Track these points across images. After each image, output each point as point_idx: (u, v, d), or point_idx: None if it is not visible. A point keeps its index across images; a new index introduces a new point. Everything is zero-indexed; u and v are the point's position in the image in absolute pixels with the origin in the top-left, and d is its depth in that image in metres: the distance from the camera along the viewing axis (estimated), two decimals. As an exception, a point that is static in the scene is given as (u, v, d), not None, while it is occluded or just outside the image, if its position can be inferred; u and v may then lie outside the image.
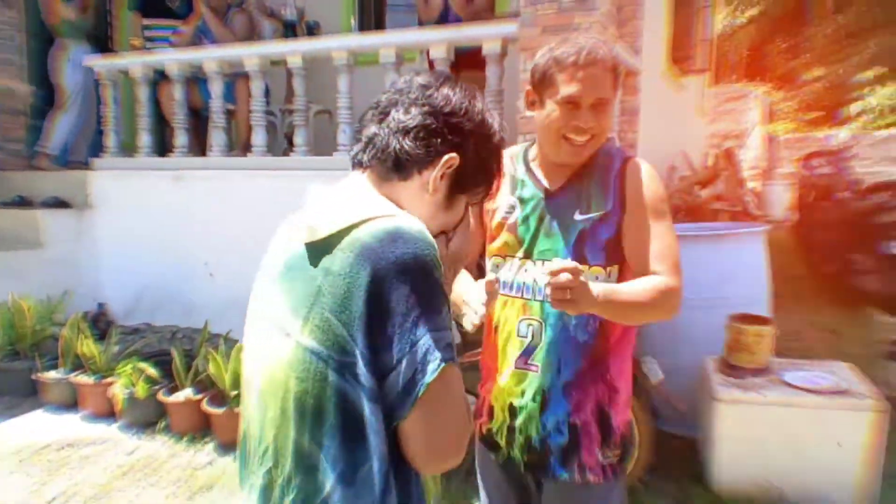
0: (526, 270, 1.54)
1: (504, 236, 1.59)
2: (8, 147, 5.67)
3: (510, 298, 1.56)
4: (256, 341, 1.02)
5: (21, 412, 3.82)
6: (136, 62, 4.85)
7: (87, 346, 3.82)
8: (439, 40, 3.88)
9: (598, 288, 1.32)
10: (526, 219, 1.56)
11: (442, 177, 1.00)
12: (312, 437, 0.89)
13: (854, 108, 14.96)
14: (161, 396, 3.55)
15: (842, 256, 5.56)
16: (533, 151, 1.63)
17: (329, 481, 0.89)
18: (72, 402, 3.83)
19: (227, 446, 3.29)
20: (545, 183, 1.57)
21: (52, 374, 3.88)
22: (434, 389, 0.85)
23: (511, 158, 1.64)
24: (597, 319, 1.49)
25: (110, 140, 5.07)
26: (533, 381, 1.53)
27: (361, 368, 0.86)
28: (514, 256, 1.57)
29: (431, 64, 4.09)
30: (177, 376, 3.60)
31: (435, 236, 0.96)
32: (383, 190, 1.01)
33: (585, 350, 1.51)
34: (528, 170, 1.61)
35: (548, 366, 1.52)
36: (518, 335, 1.54)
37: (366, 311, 0.85)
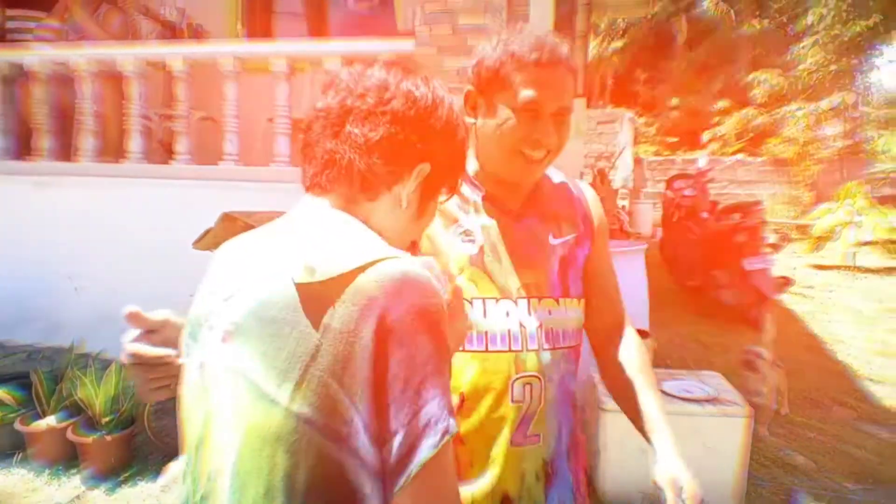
0: (508, 314, 1.21)
1: (468, 272, 1.22)
2: None
3: (491, 355, 1.19)
4: (218, 400, 0.81)
5: None
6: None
7: (-71, 371, 3.39)
8: (333, 52, 3.84)
9: (664, 434, 1.23)
10: (492, 248, 1.24)
11: (414, 189, 0.91)
12: None
13: (706, 134, 16.47)
14: (19, 425, 3.22)
15: (704, 272, 6.08)
16: (472, 165, 1.29)
17: None
18: None
19: (98, 476, 3.03)
20: (505, 203, 1.28)
21: None
22: (429, 467, 0.73)
23: None
24: (578, 359, 1.30)
25: (-42, 141, 4.56)
26: (533, 457, 1.21)
27: (363, 440, 0.74)
28: (487, 298, 1.21)
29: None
30: (38, 402, 3.27)
31: (406, 248, 0.90)
32: (354, 214, 0.88)
33: (573, 399, 1.29)
34: (474, 187, 1.28)
35: (551, 432, 1.23)
36: (512, 400, 1.19)
37: (371, 375, 0.73)
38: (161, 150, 4.84)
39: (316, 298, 0.76)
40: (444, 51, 3.56)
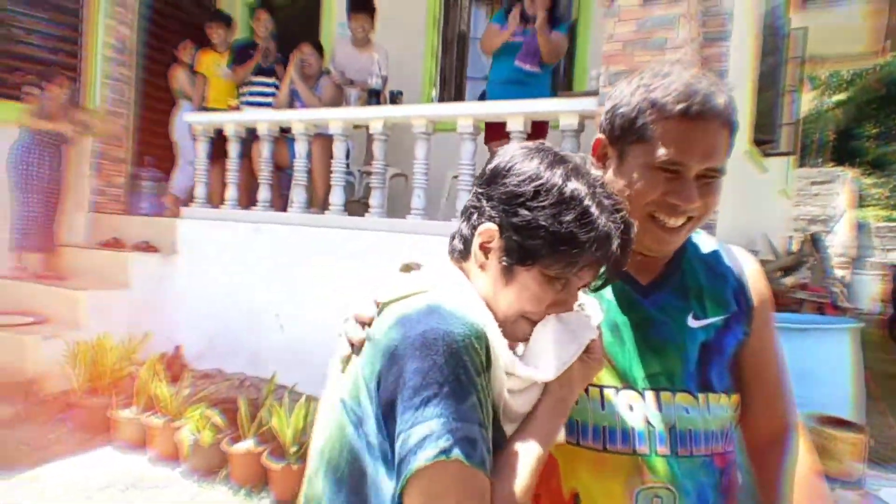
0: (631, 408, 1.02)
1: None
2: (109, 191, 6.10)
3: (609, 455, 1.01)
4: (322, 413, 1.01)
5: (91, 448, 3.95)
6: (229, 120, 5.18)
7: (160, 389, 3.95)
8: (516, 112, 3.96)
9: None
10: (615, 327, 1.07)
11: (482, 247, 0.93)
12: (326, 485, 0.90)
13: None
14: (224, 445, 3.61)
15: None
16: None
17: None
18: (141, 442, 3.93)
19: (283, 502, 3.29)
20: (633, 275, 1.10)
21: (125, 413, 4.02)
22: (425, 477, 0.78)
23: None
24: (728, 474, 1.07)
25: (199, 191, 5.38)
26: None
27: (372, 427, 0.85)
28: (606, 387, 1.05)
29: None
30: (241, 426, 3.66)
31: (514, 321, 0.92)
32: (463, 270, 0.98)
33: None
34: None
35: None
36: None
37: (384, 375, 0.84)
38: (360, 203, 5.30)
39: (377, 319, 0.91)
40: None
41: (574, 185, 0.88)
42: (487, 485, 0.81)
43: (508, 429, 0.93)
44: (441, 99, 6.10)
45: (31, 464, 3.61)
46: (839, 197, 12.74)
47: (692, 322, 1.06)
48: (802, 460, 1.12)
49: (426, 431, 0.78)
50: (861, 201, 14.65)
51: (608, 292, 1.09)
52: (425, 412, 0.78)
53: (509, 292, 0.92)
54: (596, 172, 0.94)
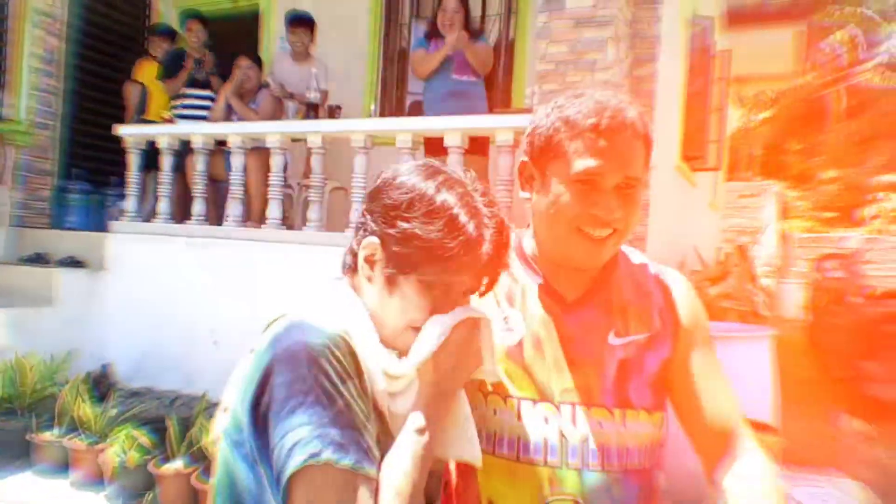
0: (546, 420, 1.04)
1: (503, 366, 1.08)
2: (34, 205, 5.85)
3: (521, 466, 1.04)
4: None
5: (9, 472, 3.77)
6: (162, 132, 5.06)
7: (84, 409, 3.80)
8: (455, 128, 4.02)
9: None
10: (536, 341, 1.08)
11: (367, 260, 0.98)
12: None
13: (868, 210, 15.02)
14: (153, 466, 3.50)
15: (853, 363, 5.46)
16: (530, 245, 1.17)
17: None
18: (63, 465, 3.76)
19: (214, 523, 3.21)
20: (559, 290, 1.12)
21: (47, 436, 3.85)
22: (300, 484, 0.81)
23: None
24: (647, 493, 1.07)
25: (130, 204, 5.22)
26: None
27: (252, 446, 0.87)
28: (521, 398, 1.06)
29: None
30: (170, 446, 3.56)
31: (402, 331, 0.96)
32: (353, 286, 1.02)
33: None
34: (530, 270, 1.14)
35: None
36: None
37: (255, 395, 0.87)
38: (300, 216, 5.25)
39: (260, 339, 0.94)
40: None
41: (444, 196, 0.94)
42: (370, 484, 0.84)
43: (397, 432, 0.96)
44: (381, 112, 6.12)
45: (-57, 492, 3.43)
46: (766, 209, 13.34)
47: (613, 339, 1.08)
48: (765, 469, 1.07)
49: (296, 439, 0.81)
50: (786, 213, 15.38)
51: (533, 307, 1.10)
52: (293, 421, 0.82)
53: (394, 301, 0.96)
54: (473, 183, 0.99)
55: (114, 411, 3.91)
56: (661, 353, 1.09)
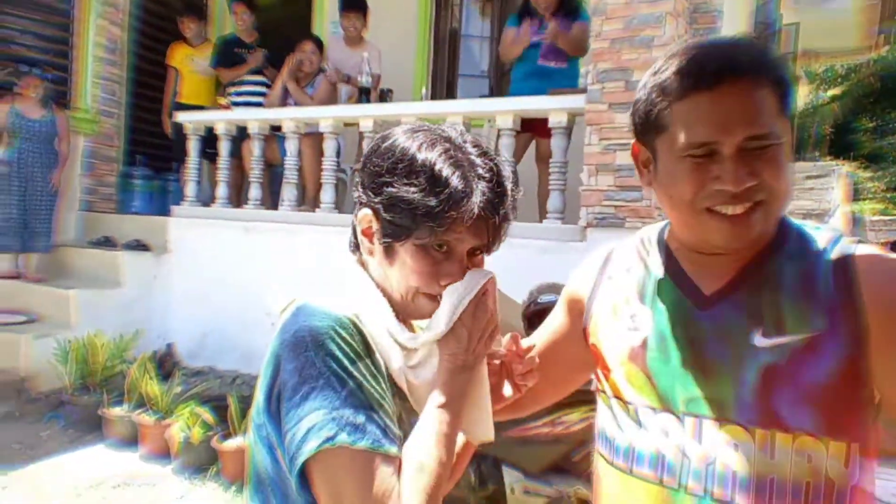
0: (667, 434, 0.90)
1: (625, 368, 0.96)
2: (100, 191, 6.11)
3: (634, 480, 0.92)
4: None
5: (83, 445, 3.97)
6: (220, 118, 5.19)
7: (151, 387, 3.96)
8: (505, 110, 3.98)
9: None
10: (662, 342, 0.93)
11: (364, 234, 0.96)
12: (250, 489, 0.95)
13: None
14: (215, 442, 3.62)
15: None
16: (672, 234, 1.01)
17: None
18: (132, 439, 3.95)
19: (272, 498, 3.31)
20: (696, 282, 0.94)
21: (117, 410, 4.03)
22: (317, 469, 0.81)
23: (642, 242, 1.05)
24: None
25: (189, 190, 5.39)
26: None
27: (269, 431, 0.88)
28: (642, 405, 0.93)
29: None
30: (231, 423, 3.68)
31: (413, 299, 0.93)
32: (362, 263, 1.01)
33: None
34: (671, 262, 0.98)
35: None
36: None
37: (270, 383, 0.87)
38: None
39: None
40: (615, 107, 3.53)
41: (425, 154, 0.89)
42: (391, 462, 0.82)
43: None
44: (433, 96, 6.11)
45: (23, 461, 3.64)
46: (834, 191, 12.76)
47: (758, 340, 0.86)
48: None
49: (309, 424, 0.80)
50: (856, 195, 14.68)
51: (663, 303, 0.95)
52: (305, 407, 0.81)
53: (395, 271, 0.93)
54: (462, 136, 0.94)
55: (178, 389, 4.07)
56: (827, 360, 0.83)
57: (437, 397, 0.90)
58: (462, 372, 0.92)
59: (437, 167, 0.88)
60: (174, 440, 3.69)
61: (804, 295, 0.86)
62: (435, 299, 0.93)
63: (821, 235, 0.92)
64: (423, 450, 0.85)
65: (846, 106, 16.59)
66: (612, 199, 3.48)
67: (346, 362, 0.84)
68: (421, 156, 0.89)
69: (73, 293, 4.78)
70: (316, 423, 0.80)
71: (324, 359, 0.83)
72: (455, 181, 0.87)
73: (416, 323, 1.04)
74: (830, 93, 16.56)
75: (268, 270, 4.75)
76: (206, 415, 3.74)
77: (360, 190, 0.95)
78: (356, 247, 1.01)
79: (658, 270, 0.98)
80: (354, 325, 0.88)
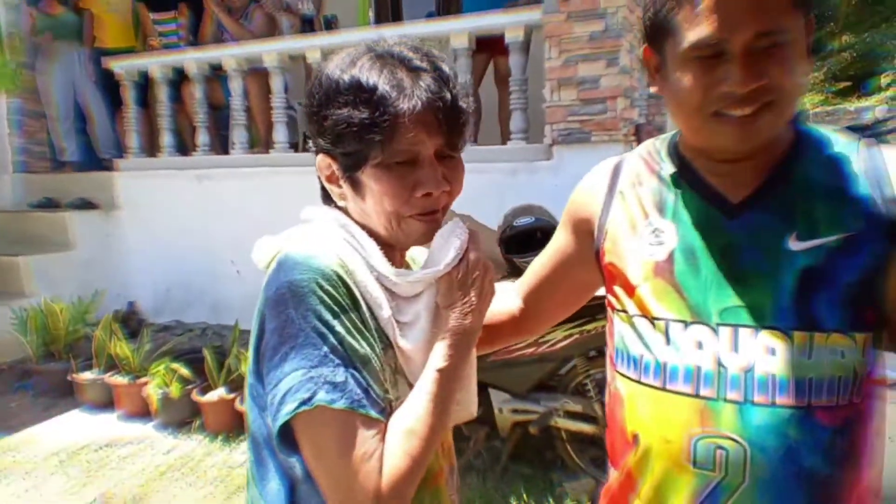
0: (701, 345, 0.88)
1: (650, 284, 0.93)
2: (34, 150, 5.75)
3: (668, 395, 0.89)
4: None
5: (58, 412, 3.89)
6: (155, 62, 4.87)
7: (120, 347, 3.87)
8: (459, 30, 3.82)
9: None
10: (690, 254, 0.91)
11: (329, 180, 0.92)
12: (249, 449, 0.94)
13: (884, 78, 14.54)
14: (195, 396, 3.59)
15: None
16: (685, 144, 0.98)
17: (254, 493, 0.91)
18: (108, 402, 3.88)
19: (261, 444, 3.32)
20: (721, 191, 0.92)
21: (88, 375, 3.94)
22: (299, 430, 0.79)
23: (649, 153, 1.03)
24: (848, 435, 0.85)
25: (132, 140, 5.10)
26: None
27: (258, 392, 0.86)
28: (672, 320, 0.91)
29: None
30: (209, 376, 3.63)
31: (398, 225, 0.88)
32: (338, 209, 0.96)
33: (825, 491, 0.85)
34: (688, 172, 0.96)
35: None
36: (694, 463, 0.86)
37: (256, 343, 0.85)
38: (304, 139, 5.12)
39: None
40: (574, 16, 3.41)
41: (351, 71, 0.84)
42: (373, 425, 0.79)
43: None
44: (378, 22, 5.84)
45: (-1, 434, 3.55)
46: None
47: (793, 244, 0.85)
48: None
49: (287, 386, 0.78)
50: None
51: (688, 215, 0.93)
52: (285, 367, 0.79)
53: (369, 202, 0.88)
54: (391, 42, 0.90)
55: (148, 346, 3.98)
56: (863, 257, 0.83)
57: (438, 360, 0.86)
58: (468, 334, 0.89)
59: (362, 78, 0.83)
60: (152, 398, 3.64)
61: (835, 196, 0.86)
62: (423, 219, 0.89)
63: (839, 138, 0.92)
64: (413, 415, 0.82)
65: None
66: (576, 114, 3.42)
67: (328, 316, 0.79)
68: (346, 75, 0.84)
69: (23, 260, 4.57)
70: (293, 385, 0.77)
71: (304, 314, 0.79)
72: (382, 82, 0.82)
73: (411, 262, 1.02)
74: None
75: (225, 218, 4.60)
76: (182, 370, 3.68)
77: (313, 138, 0.92)
78: (328, 198, 0.96)
79: (676, 182, 0.96)
80: (339, 276, 0.82)
